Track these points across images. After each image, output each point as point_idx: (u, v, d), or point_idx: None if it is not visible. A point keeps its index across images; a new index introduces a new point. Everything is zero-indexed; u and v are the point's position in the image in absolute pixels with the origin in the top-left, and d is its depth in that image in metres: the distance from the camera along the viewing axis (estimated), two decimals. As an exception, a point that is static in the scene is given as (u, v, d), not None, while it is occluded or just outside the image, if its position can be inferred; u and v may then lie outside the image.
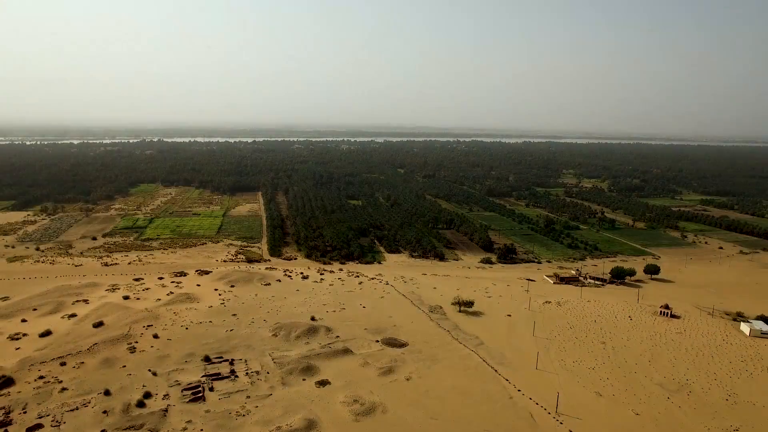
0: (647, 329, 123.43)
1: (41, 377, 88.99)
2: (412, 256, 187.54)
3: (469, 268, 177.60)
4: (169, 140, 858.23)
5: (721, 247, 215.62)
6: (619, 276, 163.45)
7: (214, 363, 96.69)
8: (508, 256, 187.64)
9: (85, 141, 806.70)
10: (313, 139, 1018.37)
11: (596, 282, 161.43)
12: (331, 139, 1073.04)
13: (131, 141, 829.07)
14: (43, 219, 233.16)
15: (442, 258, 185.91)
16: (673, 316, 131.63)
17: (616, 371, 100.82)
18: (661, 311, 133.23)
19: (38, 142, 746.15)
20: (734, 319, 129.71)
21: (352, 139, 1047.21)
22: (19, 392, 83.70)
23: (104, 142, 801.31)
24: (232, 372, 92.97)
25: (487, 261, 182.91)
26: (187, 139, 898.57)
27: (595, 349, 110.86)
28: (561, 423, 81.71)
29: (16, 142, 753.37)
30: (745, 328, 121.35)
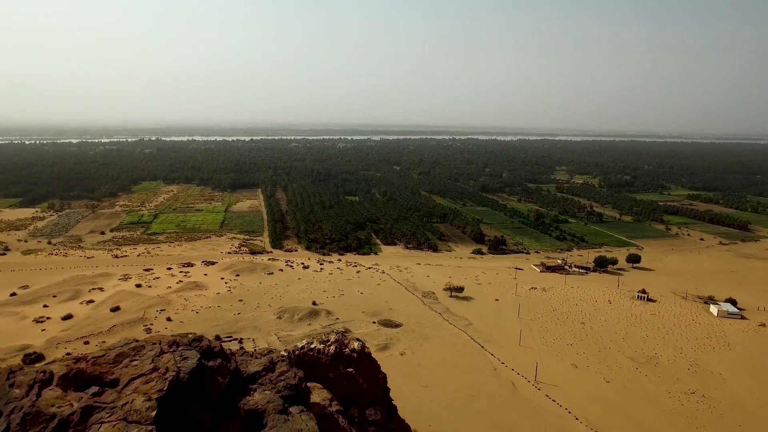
0: (624, 311, 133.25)
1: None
2: (407, 248, 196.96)
3: (461, 258, 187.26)
4: (167, 139, 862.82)
5: (702, 239, 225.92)
6: (602, 265, 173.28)
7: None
8: (498, 247, 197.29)
9: (84, 140, 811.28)
10: (310, 138, 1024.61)
11: (580, 270, 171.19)
12: (327, 137, 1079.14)
13: (129, 140, 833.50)
14: (51, 215, 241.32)
15: (435, 249, 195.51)
16: (649, 300, 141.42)
17: (592, 347, 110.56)
18: (638, 296, 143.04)
19: (37, 142, 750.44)
20: (705, 302, 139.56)
21: (349, 138, 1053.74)
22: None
23: (103, 141, 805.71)
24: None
25: (478, 252, 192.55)
26: (185, 138, 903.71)
27: (575, 329, 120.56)
28: (539, 389, 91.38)
29: (15, 142, 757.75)
30: (713, 309, 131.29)
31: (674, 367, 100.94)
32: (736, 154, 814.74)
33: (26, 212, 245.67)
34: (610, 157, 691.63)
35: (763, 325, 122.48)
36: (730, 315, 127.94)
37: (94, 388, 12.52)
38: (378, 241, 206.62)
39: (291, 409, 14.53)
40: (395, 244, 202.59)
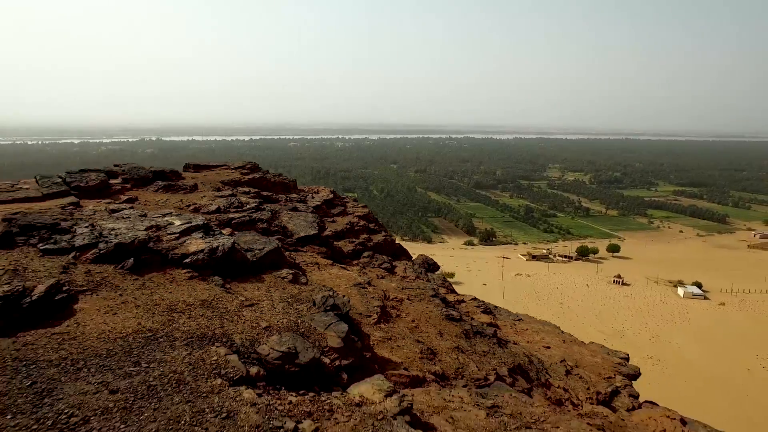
0: (600, 294, 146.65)
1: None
2: (403, 240, 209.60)
3: (453, 249, 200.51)
4: (167, 139, 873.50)
5: (681, 231, 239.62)
6: (584, 254, 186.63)
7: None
8: (488, 238, 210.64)
9: (85, 140, 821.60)
10: (309, 137, 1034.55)
11: (563, 259, 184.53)
12: (326, 136, 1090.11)
13: (130, 140, 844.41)
14: None
15: (429, 241, 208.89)
16: (624, 284, 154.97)
17: (567, 323, 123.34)
18: (614, 280, 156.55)
19: (39, 142, 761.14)
20: (675, 286, 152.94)
21: (347, 137, 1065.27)
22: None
23: (104, 141, 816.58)
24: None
25: (470, 243, 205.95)
26: (185, 138, 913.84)
27: (553, 308, 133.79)
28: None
29: (18, 142, 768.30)
30: (680, 291, 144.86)
31: (638, 338, 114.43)
32: (728, 152, 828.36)
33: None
34: (603, 155, 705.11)
35: (723, 304, 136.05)
36: (694, 296, 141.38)
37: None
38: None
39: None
40: (392, 236, 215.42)
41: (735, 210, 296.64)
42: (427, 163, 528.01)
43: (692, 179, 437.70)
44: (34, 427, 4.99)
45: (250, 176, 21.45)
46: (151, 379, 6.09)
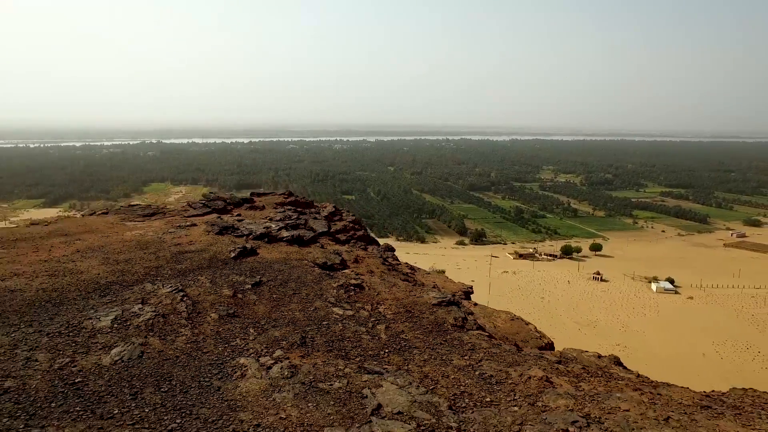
0: (579, 289, 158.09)
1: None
2: (398, 240, 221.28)
3: (445, 248, 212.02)
4: (167, 141, 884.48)
5: (663, 231, 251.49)
6: (567, 252, 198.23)
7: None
8: (479, 238, 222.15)
9: (86, 143, 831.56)
10: (307, 139, 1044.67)
11: (548, 257, 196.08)
12: (324, 138, 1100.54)
13: (131, 143, 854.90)
14: (75, 214, 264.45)
15: (423, 241, 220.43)
16: (602, 280, 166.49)
17: (546, 315, 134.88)
18: (593, 276, 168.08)
19: (41, 145, 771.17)
20: (649, 282, 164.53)
21: (345, 139, 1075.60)
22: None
23: (105, 143, 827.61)
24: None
25: (461, 243, 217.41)
26: (185, 141, 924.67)
27: (535, 302, 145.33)
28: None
29: (21, 145, 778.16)
30: (653, 286, 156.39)
31: (609, 328, 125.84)
32: (720, 153, 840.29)
33: (52, 212, 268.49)
34: (596, 156, 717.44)
35: (691, 298, 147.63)
36: (666, 291, 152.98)
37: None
38: (372, 235, 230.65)
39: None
40: (387, 237, 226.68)
41: (717, 210, 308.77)
42: (423, 165, 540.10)
43: (680, 180, 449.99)
44: (272, 273, 17.77)
45: (289, 199, 33.20)
46: (291, 265, 18.99)
